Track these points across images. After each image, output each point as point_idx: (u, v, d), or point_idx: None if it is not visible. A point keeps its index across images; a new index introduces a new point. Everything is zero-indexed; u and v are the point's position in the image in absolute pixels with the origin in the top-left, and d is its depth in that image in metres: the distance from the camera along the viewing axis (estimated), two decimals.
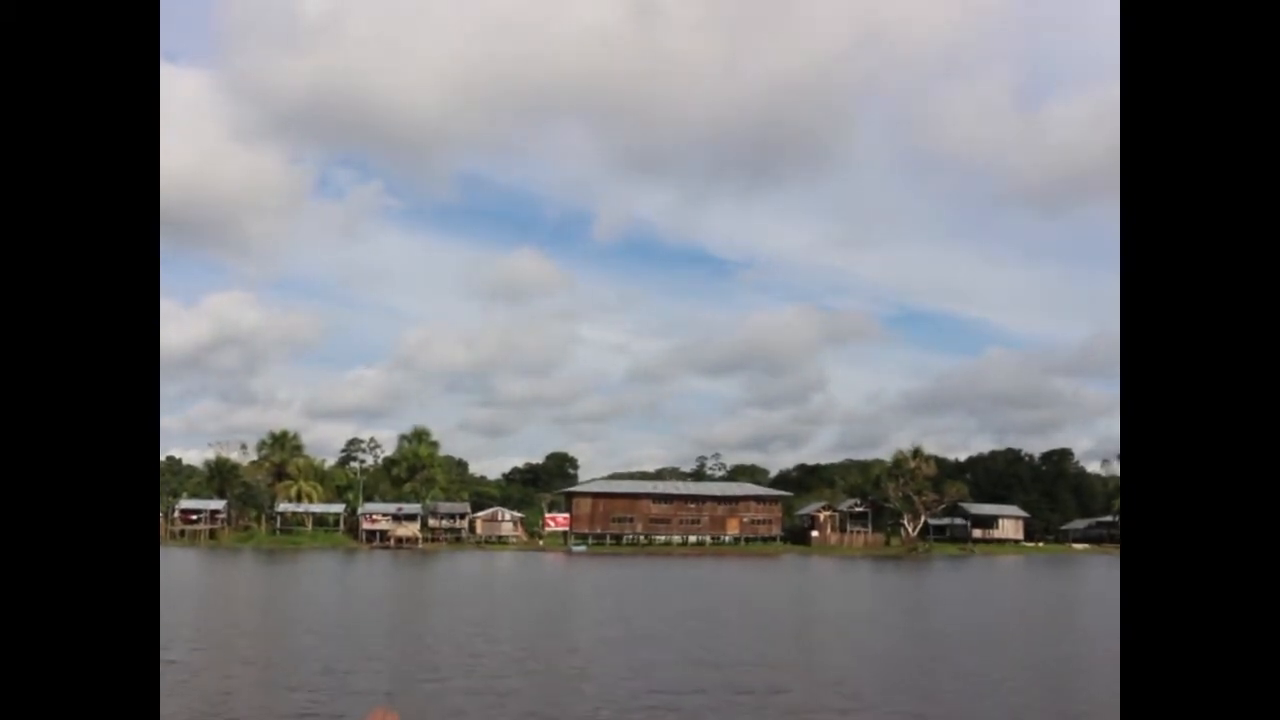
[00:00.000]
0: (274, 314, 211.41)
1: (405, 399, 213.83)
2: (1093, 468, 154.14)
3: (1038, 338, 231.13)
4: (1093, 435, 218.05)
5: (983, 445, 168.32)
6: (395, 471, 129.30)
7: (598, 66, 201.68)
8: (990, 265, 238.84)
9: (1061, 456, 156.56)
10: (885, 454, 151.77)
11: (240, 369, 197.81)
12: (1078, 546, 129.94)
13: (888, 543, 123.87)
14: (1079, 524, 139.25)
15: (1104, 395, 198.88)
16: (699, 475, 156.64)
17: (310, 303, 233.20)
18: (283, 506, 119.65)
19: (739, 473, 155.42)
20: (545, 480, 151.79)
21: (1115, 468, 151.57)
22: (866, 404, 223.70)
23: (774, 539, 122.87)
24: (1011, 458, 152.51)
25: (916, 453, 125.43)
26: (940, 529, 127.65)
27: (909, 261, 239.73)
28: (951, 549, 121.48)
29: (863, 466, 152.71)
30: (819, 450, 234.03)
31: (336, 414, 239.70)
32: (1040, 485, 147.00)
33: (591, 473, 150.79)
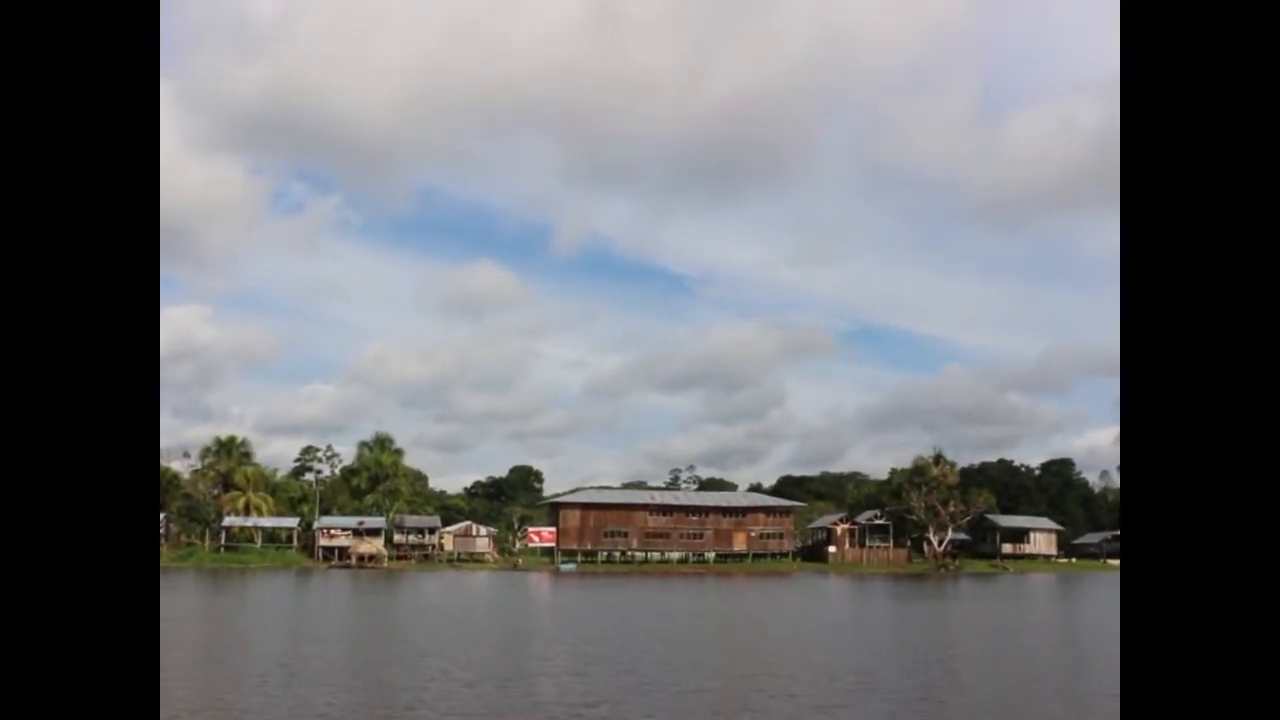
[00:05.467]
0: (229, 328, 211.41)
1: (361, 414, 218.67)
2: (1092, 480, 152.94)
3: (993, 354, 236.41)
4: (1047, 451, 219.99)
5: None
6: (355, 482, 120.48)
7: (557, 77, 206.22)
8: (947, 281, 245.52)
9: (1062, 467, 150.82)
10: (843, 469, 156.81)
11: (194, 383, 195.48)
12: (1112, 562, 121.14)
13: (910, 559, 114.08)
14: (1092, 537, 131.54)
15: (1057, 411, 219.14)
16: (672, 489, 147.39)
17: (266, 317, 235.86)
18: (229, 521, 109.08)
19: (710, 486, 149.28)
20: (509, 494, 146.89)
21: (1115, 479, 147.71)
22: (823, 419, 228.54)
23: (786, 555, 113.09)
24: (1006, 468, 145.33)
25: (938, 459, 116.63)
26: (965, 543, 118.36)
27: (867, 277, 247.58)
28: (981, 565, 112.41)
29: (836, 480, 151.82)
30: (776, 466, 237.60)
31: (290, 429, 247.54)
32: (1046, 497, 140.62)
33: (551, 489, 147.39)
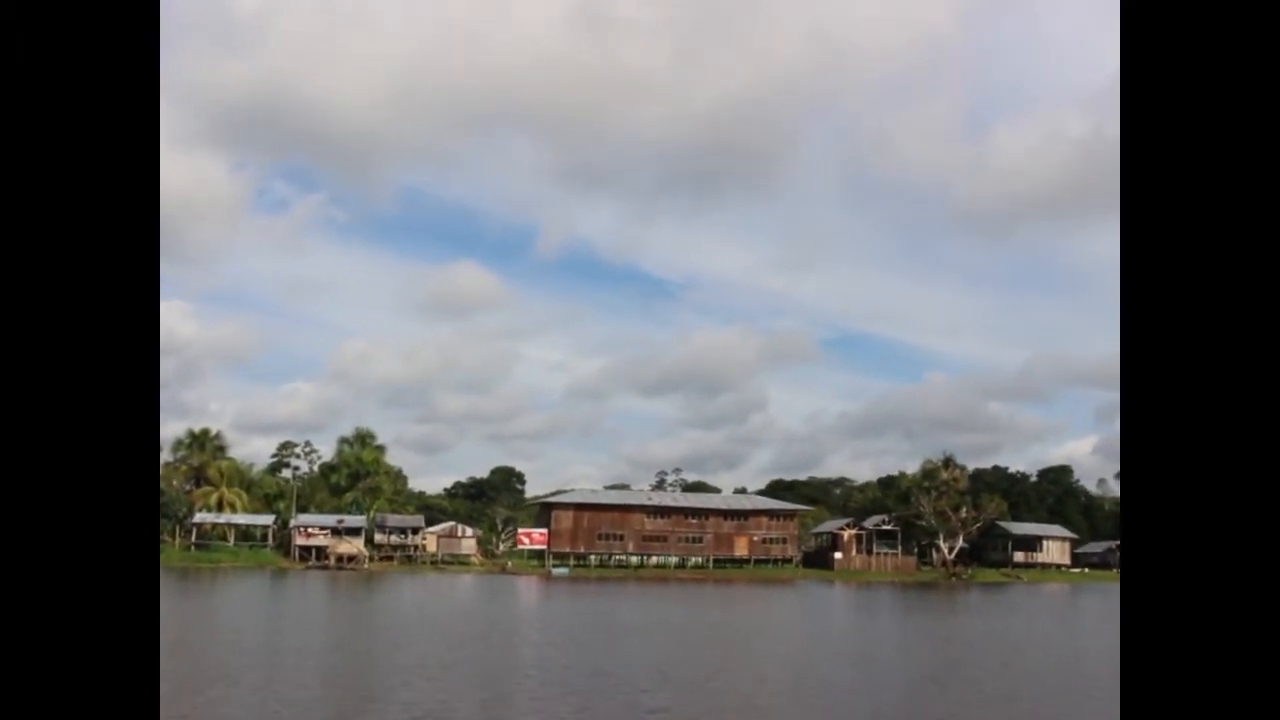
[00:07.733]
0: (211, 325, 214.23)
1: (340, 413, 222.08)
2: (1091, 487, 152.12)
3: (975, 362, 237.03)
4: (1027, 460, 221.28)
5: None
6: (334, 479, 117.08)
7: (543, 77, 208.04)
8: (930, 289, 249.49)
9: (1060, 474, 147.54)
10: (823, 474, 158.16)
11: (174, 380, 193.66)
12: None
13: (919, 567, 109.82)
14: (1095, 546, 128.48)
15: (1038, 420, 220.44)
16: (659, 492, 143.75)
17: (248, 314, 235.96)
18: (201, 517, 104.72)
19: (695, 490, 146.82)
20: (491, 495, 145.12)
21: (1113, 488, 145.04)
22: (804, 425, 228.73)
23: (789, 561, 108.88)
24: (1002, 475, 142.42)
25: (948, 462, 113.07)
26: (971, 550, 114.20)
27: (850, 285, 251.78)
28: (993, 574, 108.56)
29: (823, 485, 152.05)
30: (756, 471, 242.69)
31: (269, 427, 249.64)
32: (1045, 504, 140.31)
33: (531, 492, 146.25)
